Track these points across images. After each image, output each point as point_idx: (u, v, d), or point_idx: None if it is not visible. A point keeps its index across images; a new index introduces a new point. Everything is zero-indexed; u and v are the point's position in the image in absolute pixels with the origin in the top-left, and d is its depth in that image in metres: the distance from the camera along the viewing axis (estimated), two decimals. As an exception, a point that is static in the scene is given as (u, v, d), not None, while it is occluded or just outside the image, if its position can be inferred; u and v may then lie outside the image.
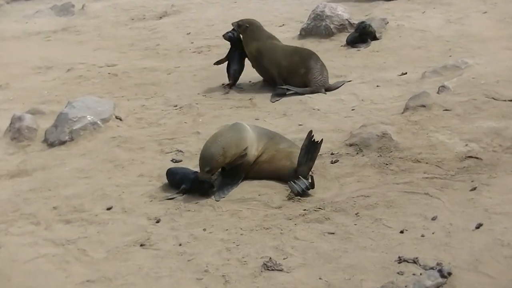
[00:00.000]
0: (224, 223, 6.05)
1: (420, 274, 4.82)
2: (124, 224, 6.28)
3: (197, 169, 6.75)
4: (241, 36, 9.79)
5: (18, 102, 10.13)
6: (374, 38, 11.16)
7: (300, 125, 8.09)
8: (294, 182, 6.39)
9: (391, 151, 6.94)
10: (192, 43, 12.69)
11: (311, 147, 6.60)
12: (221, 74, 10.30)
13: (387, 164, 6.72)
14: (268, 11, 14.02)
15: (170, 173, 6.92)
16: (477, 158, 6.52)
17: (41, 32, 14.81)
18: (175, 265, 5.48)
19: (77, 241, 6.06)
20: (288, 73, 9.49)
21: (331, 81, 9.48)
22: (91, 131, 8.54)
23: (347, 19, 11.82)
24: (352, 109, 8.40)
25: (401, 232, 5.46)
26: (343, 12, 11.93)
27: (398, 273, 4.90)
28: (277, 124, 8.14)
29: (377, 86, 9.11)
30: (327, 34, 11.75)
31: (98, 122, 8.65)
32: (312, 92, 9.16)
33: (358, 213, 5.89)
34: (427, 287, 4.67)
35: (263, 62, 9.70)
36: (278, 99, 9.19)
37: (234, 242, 5.68)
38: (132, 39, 13.59)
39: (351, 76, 9.68)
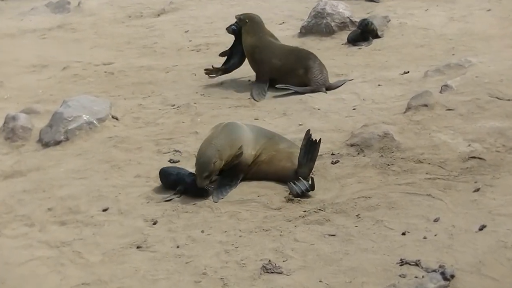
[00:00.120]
0: (223, 224, 6.05)
1: (422, 276, 4.82)
2: (121, 226, 6.28)
3: (193, 169, 6.74)
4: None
5: (12, 101, 10.11)
6: (376, 36, 11.17)
7: (300, 124, 8.08)
8: (294, 183, 6.39)
9: (392, 152, 6.94)
10: (190, 41, 12.69)
11: (310, 147, 6.60)
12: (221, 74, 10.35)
13: (388, 165, 6.72)
14: (268, 9, 14.02)
15: (164, 174, 6.91)
16: (480, 158, 6.52)
17: (36, 30, 14.79)
18: (172, 267, 5.47)
19: (72, 243, 6.06)
20: (283, 73, 9.50)
21: (332, 80, 9.49)
22: (87, 131, 8.53)
23: (348, 17, 11.83)
24: (353, 109, 8.40)
25: (403, 234, 5.47)
26: (344, 9, 11.94)
27: (400, 275, 4.90)
28: (277, 124, 8.14)
29: (379, 85, 9.11)
30: (328, 32, 11.75)
31: (94, 121, 8.63)
32: (312, 91, 9.16)
33: (359, 214, 5.89)
34: (429, 290, 4.69)
35: (256, 58, 9.75)
36: (261, 98, 9.28)
37: (232, 244, 5.68)
38: (129, 37, 13.57)
39: (352, 75, 9.68)
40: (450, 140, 6.95)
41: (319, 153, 6.72)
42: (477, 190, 5.97)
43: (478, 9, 11.90)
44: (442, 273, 4.76)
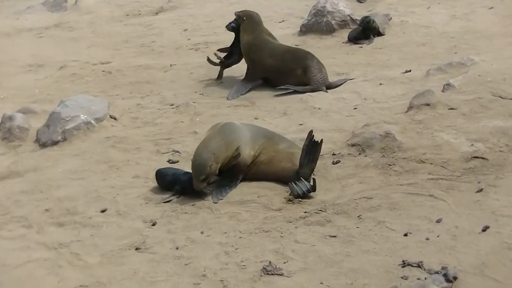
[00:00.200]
0: (222, 226, 6.05)
1: (425, 278, 4.81)
2: (119, 227, 6.28)
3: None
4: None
5: (9, 101, 10.11)
6: (378, 33, 11.16)
7: (300, 124, 8.08)
8: (295, 184, 6.39)
9: (394, 152, 6.94)
10: (189, 39, 12.68)
11: (312, 147, 6.60)
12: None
13: (390, 165, 6.72)
14: (268, 7, 13.99)
15: (160, 175, 6.92)
16: (483, 158, 6.51)
17: (33, 29, 14.78)
18: (171, 269, 5.47)
19: (70, 245, 6.06)
20: (280, 73, 9.51)
21: (332, 79, 9.49)
22: (85, 131, 8.53)
23: (349, 15, 11.82)
24: (354, 108, 8.40)
25: (405, 235, 5.46)
26: (344, 7, 11.93)
27: (402, 277, 4.90)
28: (277, 124, 8.14)
29: (380, 84, 9.11)
30: (328, 30, 11.74)
31: (92, 121, 8.63)
32: (313, 91, 9.16)
33: (360, 215, 5.89)
34: (432, 292, 4.69)
35: (251, 57, 9.79)
36: (234, 97, 9.37)
37: (232, 246, 5.68)
38: (127, 35, 13.57)
39: (353, 74, 9.68)
40: (452, 139, 6.95)
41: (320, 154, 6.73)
42: (480, 190, 5.97)
43: (480, 7, 11.89)
44: (445, 275, 4.76)
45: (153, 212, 6.45)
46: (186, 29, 13.42)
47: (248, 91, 9.58)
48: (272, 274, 5.17)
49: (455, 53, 9.85)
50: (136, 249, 5.85)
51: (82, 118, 8.59)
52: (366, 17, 11.19)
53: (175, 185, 6.71)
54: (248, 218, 6.12)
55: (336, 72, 9.83)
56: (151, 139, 8.20)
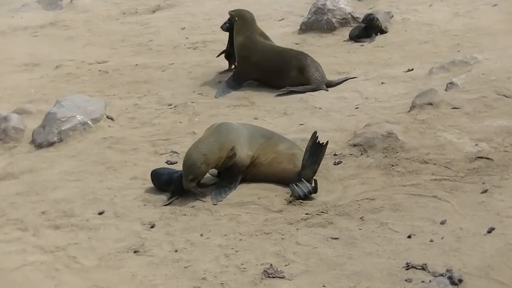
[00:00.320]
0: (222, 228, 6.04)
1: (429, 281, 4.81)
2: (117, 230, 6.27)
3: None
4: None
5: (4, 101, 10.10)
6: (381, 31, 11.16)
7: (301, 124, 8.08)
8: (296, 185, 6.38)
9: (397, 152, 6.94)
10: (187, 38, 12.68)
11: (316, 149, 6.60)
12: (218, 71, 10.34)
13: (393, 165, 6.71)
14: (267, 5, 14.01)
15: (156, 175, 6.93)
16: (488, 158, 6.51)
17: (28, 27, 14.78)
18: (170, 272, 5.47)
19: (67, 248, 6.05)
20: (273, 74, 9.52)
21: (333, 78, 9.49)
22: (81, 132, 8.53)
23: (349, 13, 11.81)
24: (356, 108, 8.40)
25: (409, 237, 5.46)
26: (345, 5, 11.92)
27: (405, 280, 4.89)
28: (277, 124, 8.14)
29: (382, 83, 9.11)
30: (329, 28, 11.73)
31: (89, 122, 8.63)
32: (313, 90, 9.15)
33: (363, 217, 5.88)
34: (436, 295, 4.68)
35: (243, 57, 9.83)
36: (221, 95, 9.42)
37: (232, 248, 5.68)
38: (123, 34, 13.57)
39: (354, 73, 9.67)
40: (456, 139, 6.95)
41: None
42: (485, 191, 5.96)
43: (484, 4, 11.89)
44: (450, 278, 4.76)
45: (152, 214, 6.44)
46: (184, 28, 13.42)
47: (236, 89, 9.61)
48: (273, 277, 5.17)
49: (458, 51, 9.84)
50: (134, 252, 5.84)
51: (79, 118, 8.59)
52: (370, 14, 11.19)
53: (170, 185, 6.71)
54: (248, 220, 6.12)
55: (337, 71, 9.83)
56: (149, 139, 8.20)
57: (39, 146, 8.39)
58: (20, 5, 16.67)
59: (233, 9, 10.23)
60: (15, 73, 11.61)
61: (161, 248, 5.84)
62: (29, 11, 16.15)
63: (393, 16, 11.72)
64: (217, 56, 10.39)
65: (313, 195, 6.34)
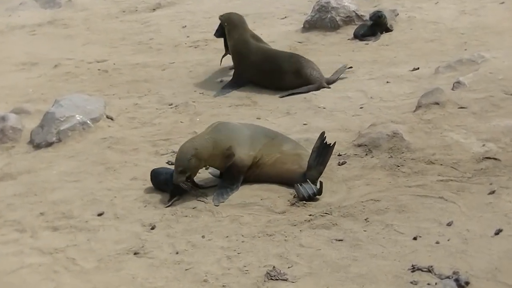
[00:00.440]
0: (224, 229, 6.05)
1: (435, 283, 4.81)
2: (116, 231, 6.28)
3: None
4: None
5: (1, 101, 10.12)
6: (386, 30, 11.16)
7: (304, 124, 8.09)
8: (301, 185, 6.38)
9: (402, 152, 6.94)
10: (188, 37, 12.68)
11: (323, 150, 6.60)
12: (219, 70, 10.34)
13: (398, 166, 6.71)
14: (269, 2, 14.01)
15: (154, 174, 6.96)
16: (495, 159, 6.51)
17: (26, 26, 14.79)
18: (171, 274, 5.48)
19: (65, 250, 6.06)
20: (266, 76, 9.56)
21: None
22: (80, 132, 8.54)
23: (354, 11, 11.81)
24: (360, 107, 8.40)
25: (414, 238, 5.46)
26: (349, 3, 11.92)
27: (411, 282, 4.90)
28: (280, 124, 8.14)
29: (387, 82, 9.11)
30: (333, 27, 11.73)
31: (88, 121, 8.64)
32: (317, 89, 9.17)
33: (367, 218, 5.88)
34: (443, 298, 4.69)
35: (237, 60, 9.91)
36: (223, 94, 9.49)
37: (235, 250, 5.68)
38: (123, 32, 13.57)
39: (359, 72, 9.67)
40: (463, 139, 6.95)
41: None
42: (492, 192, 5.96)
43: (491, 2, 11.88)
44: (456, 280, 4.76)
45: (152, 215, 6.45)
46: (185, 26, 13.42)
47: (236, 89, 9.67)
48: (276, 279, 5.17)
49: (465, 49, 9.84)
50: (135, 253, 5.85)
51: (78, 118, 8.60)
52: (378, 11, 11.18)
53: (169, 184, 6.72)
54: (250, 221, 6.12)
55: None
56: (149, 140, 8.21)
57: (37, 146, 8.40)
58: (17, 3, 16.66)
59: (222, 14, 10.26)
60: (13, 73, 11.62)
61: (162, 250, 5.85)
62: (27, 9, 16.15)
63: (398, 14, 11.72)
64: (220, 64, 10.42)
65: (317, 196, 6.34)
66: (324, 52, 10.62)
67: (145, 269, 5.60)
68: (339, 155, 7.13)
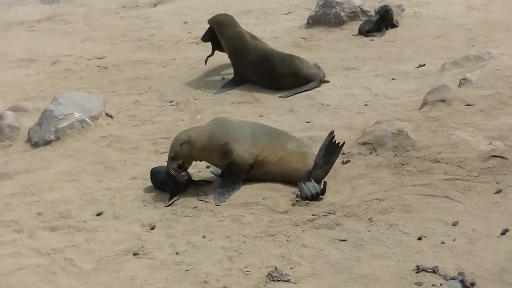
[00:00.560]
0: (225, 229, 6.06)
1: (440, 284, 4.82)
2: (116, 231, 6.29)
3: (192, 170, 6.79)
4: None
5: (-1, 98, 10.17)
6: (392, 25, 11.15)
7: (308, 122, 8.09)
8: (304, 184, 6.38)
9: (407, 150, 6.94)
10: (189, 33, 12.69)
11: (331, 149, 6.59)
12: (221, 67, 10.35)
13: (403, 165, 6.71)
14: (273, -3, 14.04)
15: (154, 173, 6.99)
16: (502, 157, 6.50)
17: (24, 22, 14.82)
18: (171, 275, 5.48)
19: (64, 250, 6.07)
20: (263, 75, 9.59)
21: (341, 73, 9.50)
22: (79, 130, 8.55)
23: (359, 6, 11.83)
24: (365, 105, 8.40)
25: (419, 238, 5.46)
26: (354, -2, 11.94)
27: (416, 283, 4.90)
28: (283, 121, 8.15)
29: (392, 79, 9.11)
30: (337, 22, 11.74)
31: (87, 119, 8.66)
32: (318, 85, 9.18)
33: (371, 218, 5.88)
34: (448, 299, 4.69)
35: (231, 59, 9.96)
36: (223, 91, 9.49)
37: (236, 251, 5.69)
38: (123, 29, 13.59)
39: (364, 69, 9.67)
40: (469, 137, 6.94)
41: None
42: (499, 191, 5.96)
43: (499, -3, 11.91)
44: (462, 281, 4.77)
45: (152, 215, 6.46)
46: (186, 22, 13.43)
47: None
48: (278, 281, 5.18)
49: (472, 46, 9.85)
50: (134, 254, 5.86)
51: (76, 116, 8.62)
52: (386, 6, 11.18)
53: (168, 183, 6.74)
54: (252, 221, 6.13)
55: (345, 66, 9.84)
56: (150, 138, 8.22)
57: (35, 144, 8.42)
58: (16, -2, 16.74)
59: (210, 18, 10.29)
60: (11, 69, 11.65)
61: (162, 250, 5.86)
62: (25, 5, 16.19)
63: (404, 9, 11.73)
64: (205, 64, 10.40)
65: (320, 196, 6.34)
66: (328, 49, 10.63)
67: (145, 270, 5.61)
68: (343, 153, 7.11)
